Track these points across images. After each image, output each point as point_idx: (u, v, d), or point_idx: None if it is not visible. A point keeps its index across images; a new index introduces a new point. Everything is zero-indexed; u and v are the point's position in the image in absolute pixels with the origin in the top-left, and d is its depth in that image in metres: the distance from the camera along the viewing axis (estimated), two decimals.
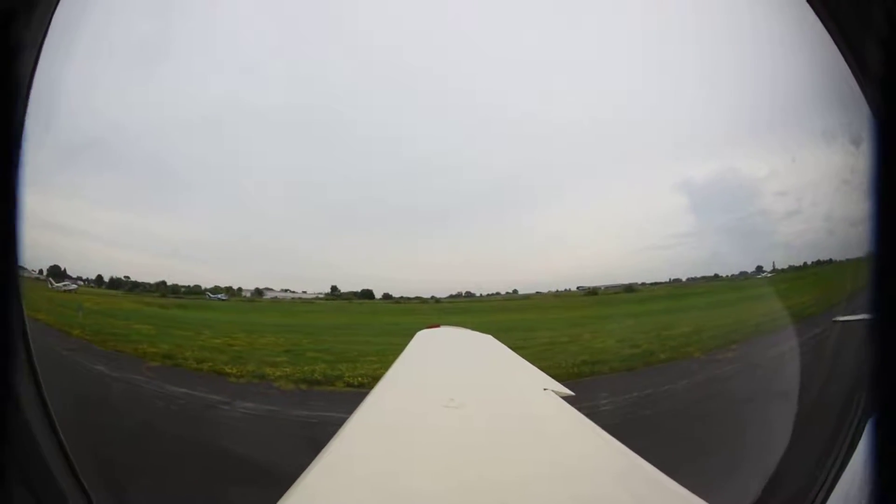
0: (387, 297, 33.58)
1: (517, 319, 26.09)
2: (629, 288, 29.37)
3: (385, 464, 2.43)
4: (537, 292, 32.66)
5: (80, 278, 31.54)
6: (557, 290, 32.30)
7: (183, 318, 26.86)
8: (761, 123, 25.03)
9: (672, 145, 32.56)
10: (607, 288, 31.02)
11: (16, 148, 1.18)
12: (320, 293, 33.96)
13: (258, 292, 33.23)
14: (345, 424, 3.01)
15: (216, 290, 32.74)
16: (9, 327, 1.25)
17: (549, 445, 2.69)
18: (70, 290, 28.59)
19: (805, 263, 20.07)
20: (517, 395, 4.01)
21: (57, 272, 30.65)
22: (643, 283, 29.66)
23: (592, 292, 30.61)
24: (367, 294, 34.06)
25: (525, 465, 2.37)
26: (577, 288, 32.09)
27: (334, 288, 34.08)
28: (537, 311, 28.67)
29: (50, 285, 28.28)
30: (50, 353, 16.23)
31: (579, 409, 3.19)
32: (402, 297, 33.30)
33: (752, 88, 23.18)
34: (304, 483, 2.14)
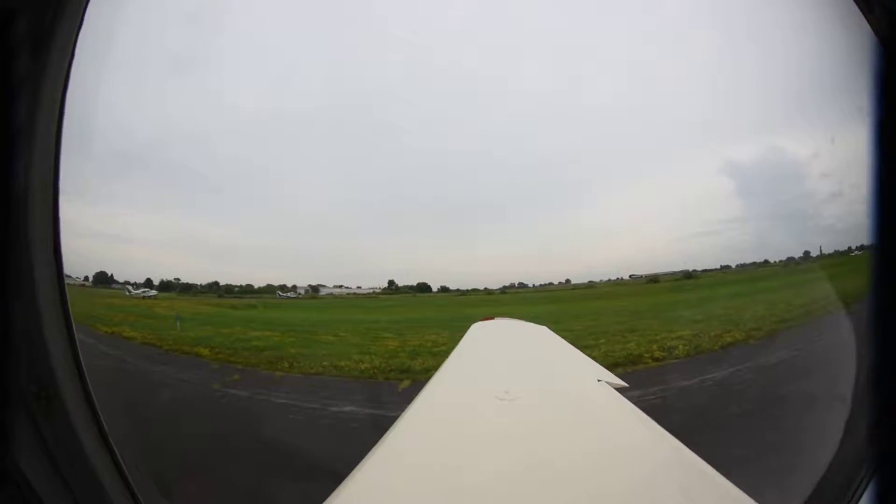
0: (444, 289, 33.64)
1: (634, 305, 24.69)
2: (688, 275, 29.36)
3: (439, 455, 2.46)
4: (590, 282, 32.90)
5: (127, 282, 30.74)
6: (609, 279, 32.68)
7: (280, 319, 24.28)
8: (799, 104, 24.90)
9: (711, 130, 32.87)
10: (659, 276, 30.92)
11: (16, 148, 1.22)
12: (376, 288, 33.82)
13: (314, 289, 33.22)
14: (400, 417, 3.00)
15: (284, 288, 32.21)
16: (8, 328, 1.26)
17: (602, 437, 2.69)
18: (150, 297, 27.37)
19: (850, 248, 19.46)
20: (571, 386, 3.96)
21: (104, 278, 29.79)
22: (694, 270, 29.52)
23: (654, 280, 30.86)
24: (424, 287, 34.02)
25: (578, 456, 2.37)
26: (630, 276, 32.38)
27: (391, 282, 33.97)
28: (624, 298, 27.61)
29: (128, 293, 27.06)
30: (232, 402, 12.56)
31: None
32: (457, 289, 33.28)
33: (786, 69, 23.09)
34: (359, 474, 2.17)
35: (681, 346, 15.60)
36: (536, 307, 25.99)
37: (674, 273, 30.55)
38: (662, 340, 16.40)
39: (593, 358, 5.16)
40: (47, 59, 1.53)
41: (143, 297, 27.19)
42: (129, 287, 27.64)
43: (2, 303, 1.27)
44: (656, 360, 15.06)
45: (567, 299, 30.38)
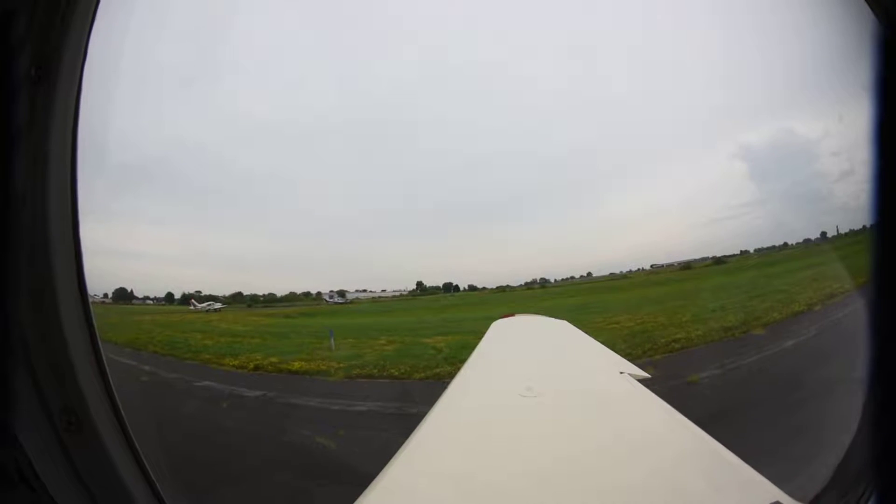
0: (472, 288, 33.51)
1: (722, 283, 23.58)
2: (718, 260, 29.16)
3: (466, 455, 2.46)
4: (611, 273, 32.75)
5: (147, 297, 30.07)
6: (630, 270, 32.56)
7: (394, 325, 22.31)
8: (805, 84, 25.40)
9: (720, 118, 33.18)
10: (681, 263, 30.64)
11: (16, 149, 1.19)
12: (402, 290, 33.66)
13: (340, 294, 32.91)
14: (426, 416, 3.00)
15: (331, 294, 31.95)
16: (7, 328, 1.23)
17: (625, 430, 2.67)
18: (215, 310, 26.24)
19: (864, 226, 19.99)
20: (594, 380, 3.96)
21: (124, 294, 29.17)
22: (713, 256, 29.48)
23: (687, 267, 30.27)
24: (450, 287, 34.00)
25: (603, 450, 2.37)
26: (651, 266, 32.15)
27: (419, 283, 34.03)
28: (689, 282, 26.16)
29: (193, 307, 26.36)
30: None
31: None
32: (483, 287, 33.13)
33: (791, 53, 23.49)
34: (388, 474, 2.18)
35: (846, 286, 15.72)
36: (611, 296, 25.34)
37: (695, 260, 30.25)
38: (823, 290, 16.69)
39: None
40: (60, 61, 1.52)
41: (208, 311, 26.12)
42: (194, 301, 26.69)
43: (2, 304, 1.25)
44: (843, 294, 15.49)
45: (628, 288, 29.12)
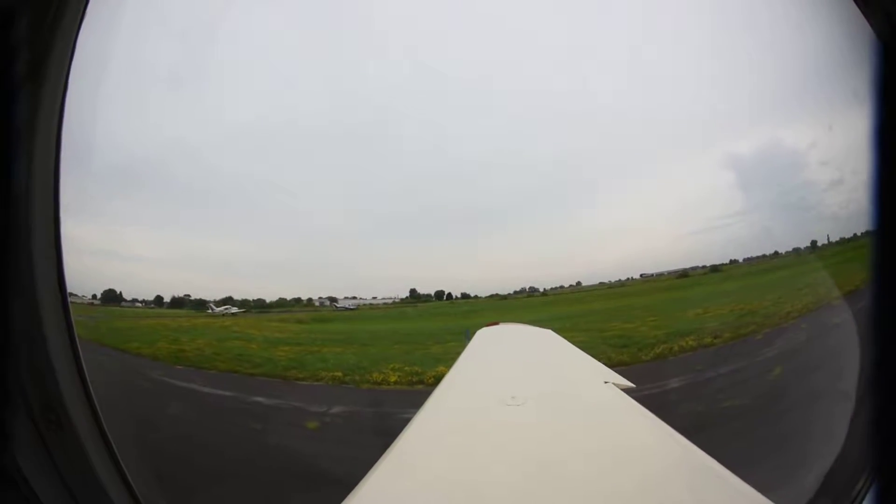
0: (465, 296, 33.24)
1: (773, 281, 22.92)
2: (715, 268, 28.62)
3: (448, 462, 2.46)
4: (600, 283, 32.49)
5: (136, 300, 29.69)
6: (619, 280, 32.25)
7: (426, 330, 21.44)
8: (795, 93, 24.07)
9: (710, 126, 31.39)
10: (670, 272, 30.53)
11: (16, 148, 1.21)
12: (394, 297, 33.17)
13: (332, 300, 32.59)
14: (409, 423, 2.99)
15: (326, 300, 31.08)
16: (7, 328, 1.24)
17: (610, 439, 2.67)
18: (232, 314, 25.38)
19: (855, 234, 18.44)
20: (578, 389, 3.95)
21: (112, 296, 28.81)
22: (703, 266, 29.17)
23: (683, 275, 29.97)
24: (442, 295, 33.90)
25: (587, 460, 2.36)
26: (640, 275, 32.00)
27: (413, 291, 33.65)
28: (728, 282, 26.58)
29: (210, 310, 25.39)
30: None
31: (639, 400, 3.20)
32: (475, 296, 32.79)
33: (779, 58, 22.63)
34: (370, 481, 2.19)
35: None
36: (641, 299, 25.32)
37: (686, 269, 29.96)
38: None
39: None
40: (48, 61, 1.55)
41: (224, 315, 25.35)
42: (212, 305, 25.85)
43: (2, 304, 1.26)
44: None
45: (644, 293, 28.78)
